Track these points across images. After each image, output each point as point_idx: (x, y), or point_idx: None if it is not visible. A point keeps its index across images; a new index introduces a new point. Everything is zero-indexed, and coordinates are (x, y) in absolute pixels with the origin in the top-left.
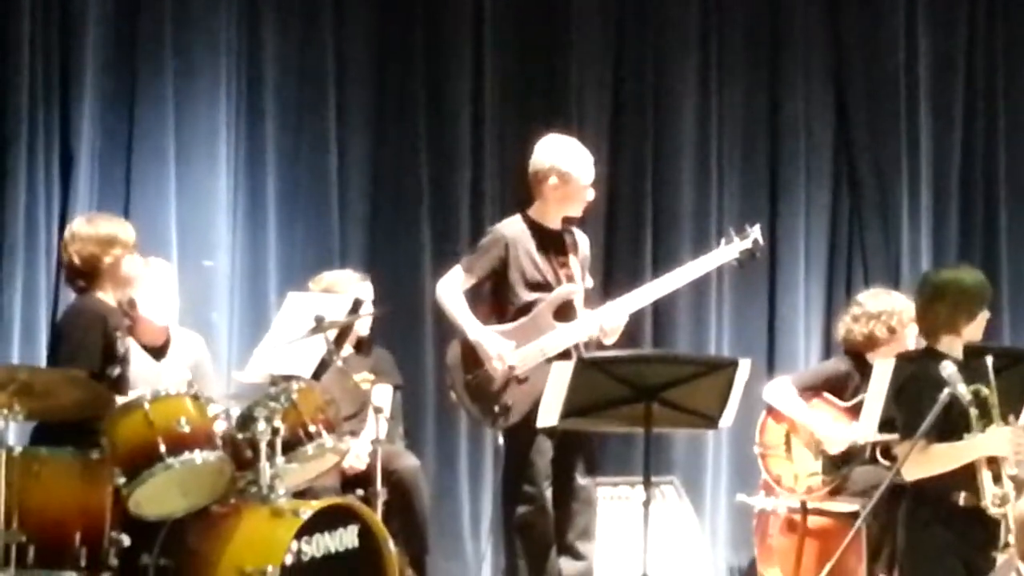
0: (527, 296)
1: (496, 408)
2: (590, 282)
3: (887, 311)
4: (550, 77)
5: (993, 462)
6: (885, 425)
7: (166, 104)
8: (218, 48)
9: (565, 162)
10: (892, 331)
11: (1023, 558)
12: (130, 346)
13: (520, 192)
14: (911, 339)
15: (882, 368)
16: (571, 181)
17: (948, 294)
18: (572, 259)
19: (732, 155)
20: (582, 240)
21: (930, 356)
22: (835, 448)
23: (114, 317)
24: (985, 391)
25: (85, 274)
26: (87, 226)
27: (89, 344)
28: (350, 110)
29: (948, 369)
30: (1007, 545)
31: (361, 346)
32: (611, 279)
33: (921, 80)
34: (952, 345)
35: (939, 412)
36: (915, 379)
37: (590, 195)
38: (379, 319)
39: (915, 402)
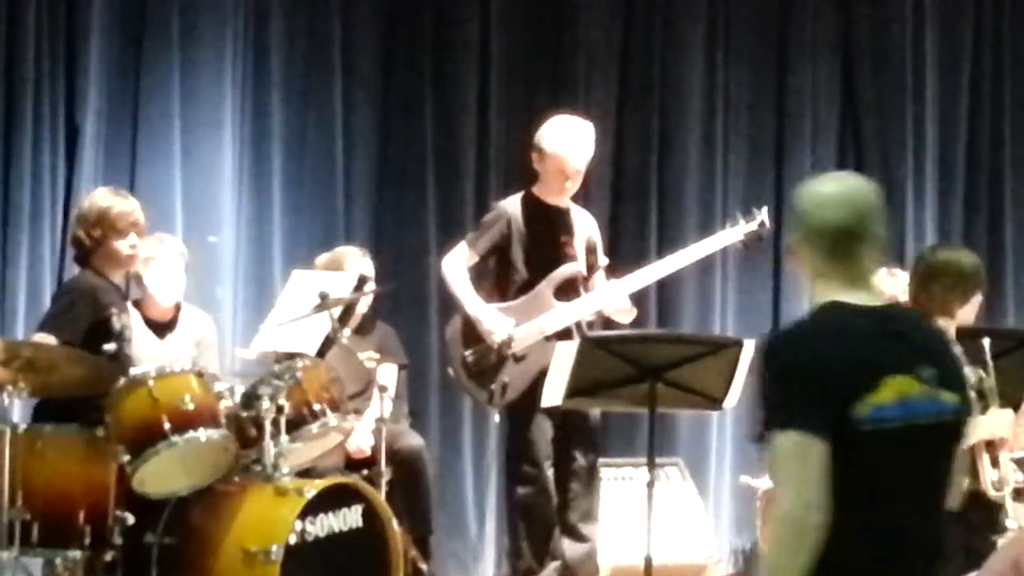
0: (528, 274)
1: (493, 386)
2: (604, 260)
3: (883, 294)
4: (557, 55)
5: (991, 446)
6: None
7: (171, 79)
8: (224, 23)
9: (548, 141)
10: None
11: None
12: (130, 323)
13: (525, 170)
14: None
15: None
16: (550, 160)
17: (945, 275)
18: (575, 238)
19: (738, 135)
20: (586, 219)
21: None
22: None
23: (107, 293)
24: (983, 375)
25: (82, 249)
26: (87, 201)
27: (70, 316)
28: (356, 86)
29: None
30: (1005, 529)
31: (363, 326)
32: (616, 258)
33: (928, 60)
34: (946, 327)
35: None
36: None
37: (577, 176)
38: (384, 297)
39: None
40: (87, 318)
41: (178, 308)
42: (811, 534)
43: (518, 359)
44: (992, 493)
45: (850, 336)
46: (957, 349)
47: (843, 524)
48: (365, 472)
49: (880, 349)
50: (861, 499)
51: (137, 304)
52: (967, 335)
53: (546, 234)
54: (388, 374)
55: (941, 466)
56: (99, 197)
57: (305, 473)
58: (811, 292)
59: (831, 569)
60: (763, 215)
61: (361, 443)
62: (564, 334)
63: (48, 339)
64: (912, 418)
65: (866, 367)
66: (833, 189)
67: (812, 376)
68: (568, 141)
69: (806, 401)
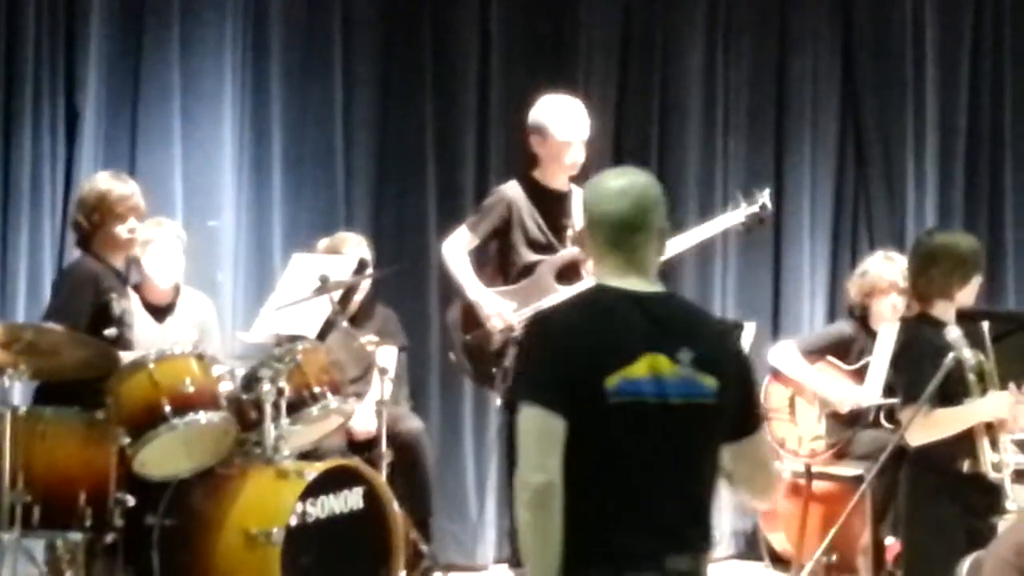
0: (529, 257)
1: (494, 370)
2: None
3: (868, 272)
4: (557, 36)
5: (990, 428)
6: (890, 389)
7: (171, 62)
8: (224, 7)
9: (544, 119)
10: (865, 294)
11: None
12: (130, 307)
13: (525, 154)
14: (886, 307)
15: (887, 332)
16: (549, 137)
17: (943, 259)
18: (576, 221)
19: (738, 116)
20: None
21: (925, 321)
22: (844, 408)
23: (107, 278)
24: (983, 357)
25: (82, 233)
26: (87, 185)
27: (74, 304)
28: (356, 69)
29: (953, 334)
30: (1006, 511)
31: (362, 312)
32: None
33: (928, 41)
34: (946, 310)
35: (942, 377)
36: (912, 344)
37: (576, 154)
38: (384, 282)
39: (914, 367)
40: (89, 304)
41: (177, 291)
42: (544, 498)
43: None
44: (992, 475)
45: (608, 316)
46: (954, 332)
47: (589, 496)
48: (366, 454)
49: (637, 330)
50: (607, 473)
51: (136, 288)
52: (967, 318)
53: (547, 217)
54: (388, 356)
55: (694, 449)
56: (99, 181)
57: (307, 454)
58: (594, 278)
59: (578, 537)
60: (765, 197)
61: (367, 424)
62: None
63: (59, 329)
64: (663, 396)
65: (620, 345)
66: (613, 183)
67: (562, 353)
68: (565, 121)
69: (551, 378)
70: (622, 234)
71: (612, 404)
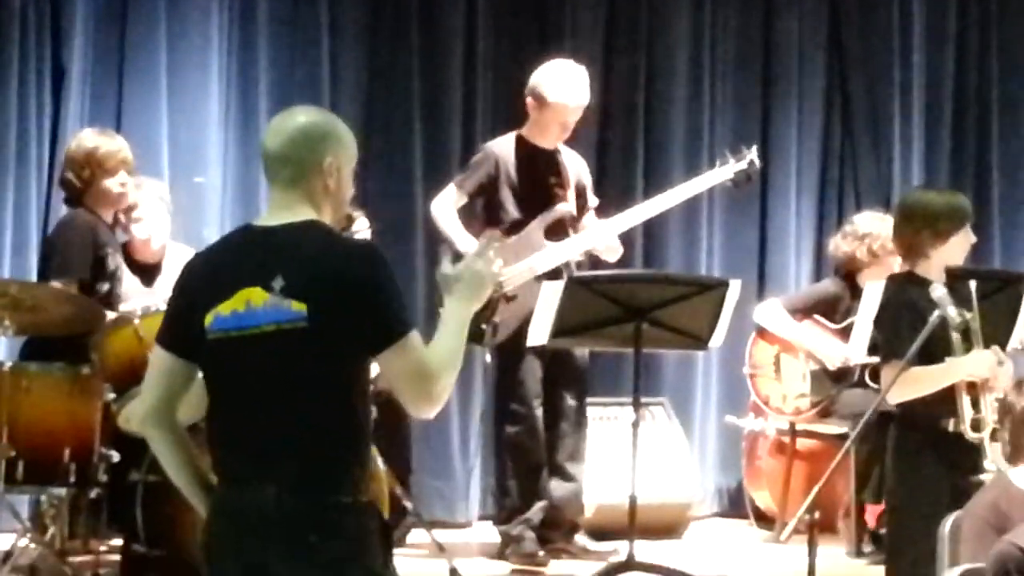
0: (517, 214)
1: (483, 325)
2: (595, 200)
3: (872, 234)
4: (543, 1)
5: (972, 387)
6: (874, 348)
7: (158, 19)
8: None
9: (544, 85)
10: (874, 255)
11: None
12: (121, 264)
13: (512, 116)
14: (896, 267)
15: (872, 290)
16: (546, 104)
17: (914, 217)
18: (564, 179)
19: (725, 74)
20: (576, 160)
21: (910, 280)
22: (833, 364)
23: (103, 232)
24: (969, 316)
25: (72, 190)
26: (74, 143)
27: (79, 256)
28: (343, 27)
29: (938, 291)
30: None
31: None
32: (603, 197)
33: (915, 1)
34: (928, 268)
35: (927, 335)
36: (893, 303)
37: (572, 119)
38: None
39: (894, 325)
40: (89, 257)
41: (164, 250)
42: (144, 423)
43: (509, 299)
44: (970, 435)
45: (221, 255)
46: (939, 291)
47: (208, 423)
48: None
49: (241, 264)
50: (213, 404)
51: (124, 247)
52: (953, 276)
53: (536, 175)
54: None
55: (294, 373)
56: (86, 138)
57: None
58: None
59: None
60: (752, 154)
61: None
62: (554, 274)
63: (70, 286)
64: (255, 327)
65: (223, 281)
66: (278, 120)
67: (178, 292)
68: (569, 89)
69: (167, 317)
70: (271, 168)
71: (209, 340)
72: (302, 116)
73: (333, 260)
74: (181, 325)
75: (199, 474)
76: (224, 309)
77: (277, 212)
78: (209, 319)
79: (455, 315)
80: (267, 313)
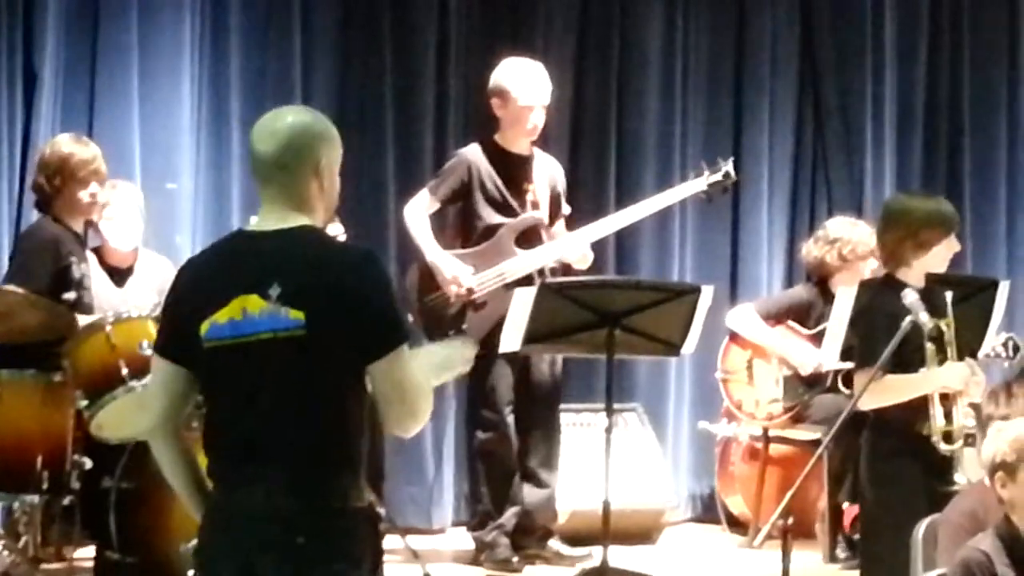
0: (490, 220)
1: (451, 332)
2: (567, 209)
3: (843, 239)
4: (516, 2)
5: (946, 399)
6: (847, 353)
7: (130, 25)
8: None
9: (506, 82)
10: (844, 260)
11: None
12: (88, 271)
13: (485, 118)
14: (867, 272)
15: (845, 296)
16: (510, 101)
17: (896, 224)
18: (537, 184)
19: (697, 81)
20: (551, 165)
21: (888, 285)
22: (806, 370)
23: (67, 242)
24: (943, 323)
25: (42, 196)
26: (48, 148)
27: (35, 266)
28: (315, 29)
29: (909, 297)
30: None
31: None
32: (575, 205)
33: (887, 7)
34: (908, 274)
35: (898, 341)
36: (869, 308)
37: (537, 117)
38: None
39: (869, 331)
40: (49, 268)
41: (136, 254)
42: (151, 436)
43: (478, 306)
44: (942, 447)
45: (216, 260)
46: (911, 296)
47: (205, 430)
48: None
49: (237, 271)
50: (211, 412)
51: (96, 251)
52: (936, 282)
53: (508, 181)
54: None
55: (290, 381)
56: (60, 144)
57: None
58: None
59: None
60: (728, 166)
61: None
62: (525, 281)
63: (16, 292)
64: (248, 335)
65: (214, 291)
66: (267, 123)
67: (172, 301)
68: (526, 85)
69: (164, 326)
70: (264, 172)
71: (206, 349)
72: (291, 117)
73: (330, 267)
74: (178, 334)
75: (201, 483)
76: (220, 317)
77: (270, 217)
78: (205, 327)
79: (438, 364)
80: (264, 321)
